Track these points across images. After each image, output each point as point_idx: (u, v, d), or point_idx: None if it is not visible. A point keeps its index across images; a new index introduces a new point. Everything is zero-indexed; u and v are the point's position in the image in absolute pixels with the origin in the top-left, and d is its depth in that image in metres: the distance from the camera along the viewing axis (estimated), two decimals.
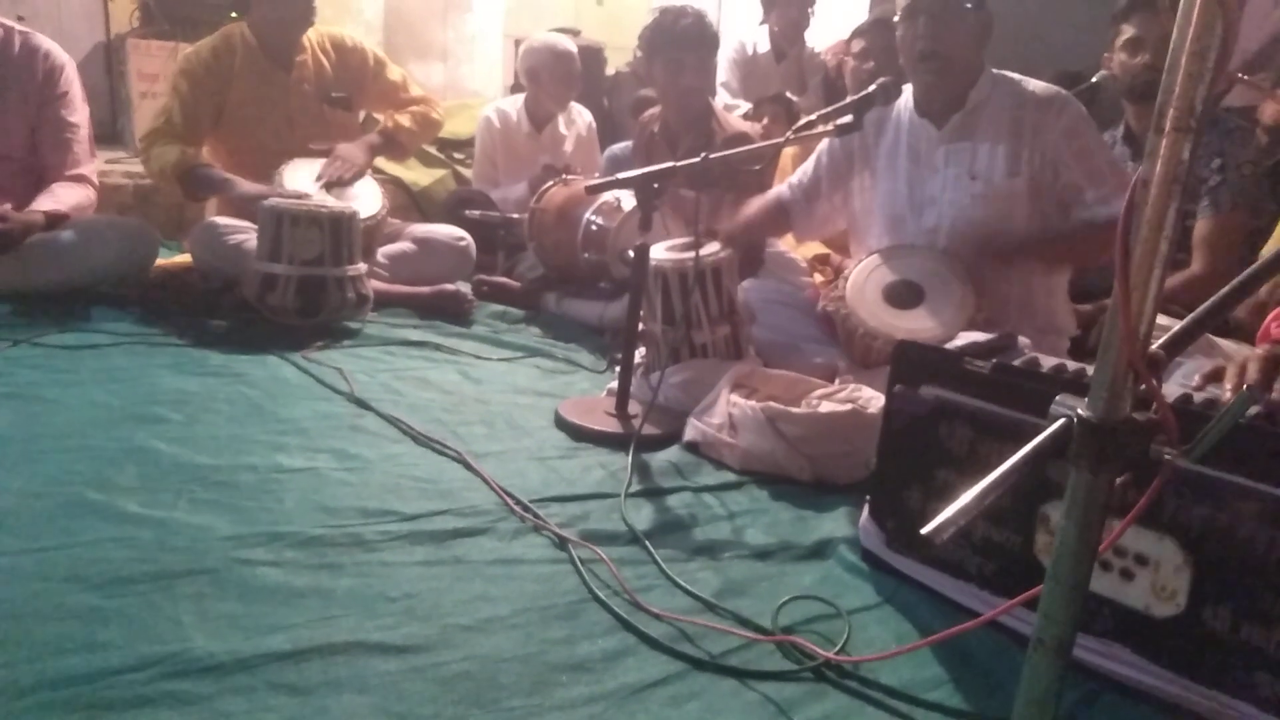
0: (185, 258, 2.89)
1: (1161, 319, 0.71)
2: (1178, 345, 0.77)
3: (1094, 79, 2.64)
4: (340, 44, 3.06)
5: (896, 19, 2.11)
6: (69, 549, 1.26)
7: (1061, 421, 0.73)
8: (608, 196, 2.79)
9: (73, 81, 2.68)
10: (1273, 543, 1.01)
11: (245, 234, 2.65)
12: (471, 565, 1.33)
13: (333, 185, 2.82)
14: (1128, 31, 2.47)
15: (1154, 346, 0.73)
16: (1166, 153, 0.65)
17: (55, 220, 2.51)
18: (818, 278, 2.74)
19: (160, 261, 2.81)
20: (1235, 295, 0.82)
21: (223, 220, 2.77)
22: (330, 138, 2.99)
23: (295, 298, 2.43)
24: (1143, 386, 0.71)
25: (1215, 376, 1.32)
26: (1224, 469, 1.04)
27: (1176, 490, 1.05)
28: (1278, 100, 2.61)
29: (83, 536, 1.30)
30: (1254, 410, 1.09)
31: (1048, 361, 1.30)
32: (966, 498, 0.69)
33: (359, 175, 2.90)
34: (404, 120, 3.10)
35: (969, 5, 2.04)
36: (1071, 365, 1.29)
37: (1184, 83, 0.63)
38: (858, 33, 3.08)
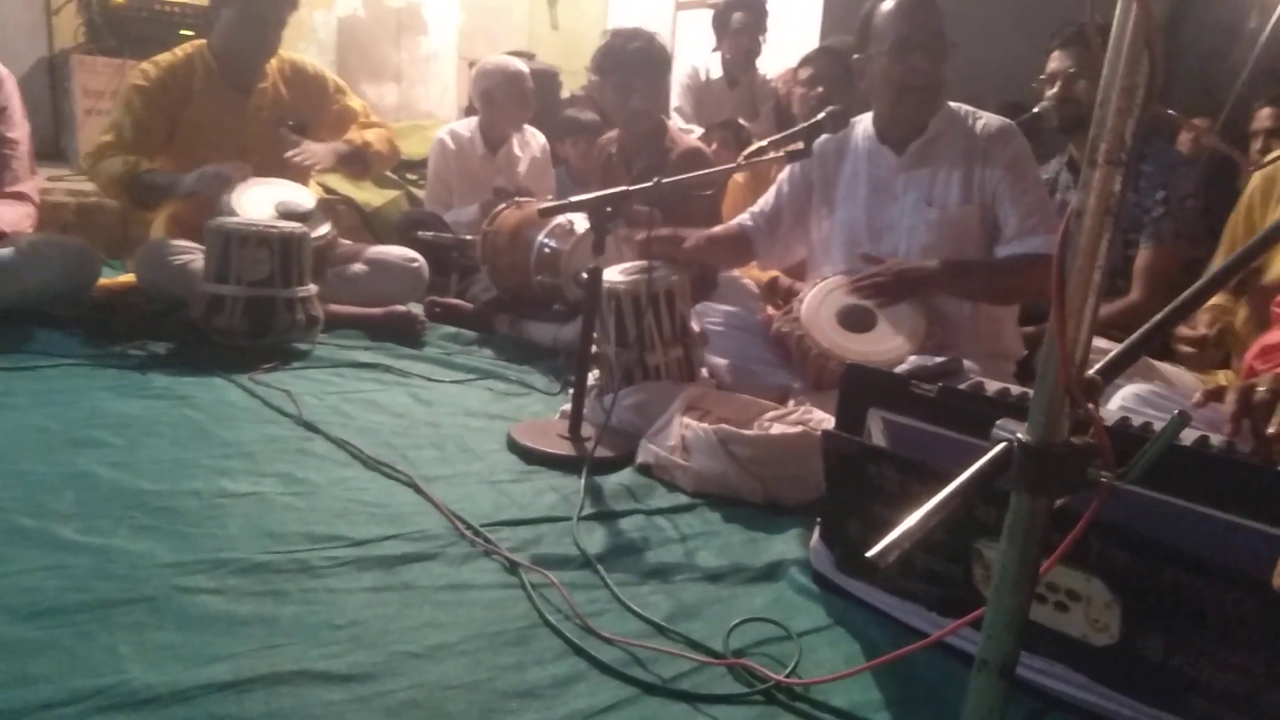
0: (129, 278, 2.83)
1: (1101, 343, 0.73)
2: (1114, 370, 0.80)
3: (1036, 109, 2.72)
4: (301, 70, 3.02)
5: (883, 51, 2.08)
6: None
7: (1002, 445, 0.75)
8: (561, 219, 2.80)
9: (11, 96, 2.62)
10: (1194, 588, 1.02)
11: (192, 254, 2.60)
12: (420, 591, 1.32)
13: (285, 211, 2.78)
14: (1049, 65, 2.59)
15: (1091, 371, 0.75)
16: (1099, 185, 0.67)
17: None
18: (770, 309, 2.76)
19: (103, 281, 2.75)
20: (1169, 320, 0.85)
21: (169, 240, 2.71)
22: (283, 163, 2.95)
23: (243, 319, 2.39)
24: (1080, 411, 0.73)
25: (1216, 395, 1.34)
26: (1162, 492, 1.06)
27: (1099, 533, 1.06)
28: (1190, 130, 2.71)
29: (13, 565, 1.25)
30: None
31: (993, 385, 1.32)
32: (910, 521, 0.70)
33: (321, 167, 2.89)
34: (373, 139, 3.05)
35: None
36: (1015, 390, 1.31)
37: (1114, 117, 0.66)
38: (805, 61, 3.17)
